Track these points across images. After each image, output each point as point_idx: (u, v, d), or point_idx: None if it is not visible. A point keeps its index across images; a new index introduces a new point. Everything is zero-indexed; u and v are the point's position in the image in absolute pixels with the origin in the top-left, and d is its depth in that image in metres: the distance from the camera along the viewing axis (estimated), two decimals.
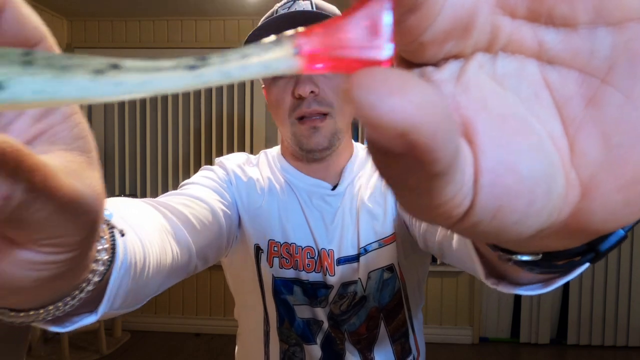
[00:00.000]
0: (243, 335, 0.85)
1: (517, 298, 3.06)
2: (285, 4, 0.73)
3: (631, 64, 0.14)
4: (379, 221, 0.75)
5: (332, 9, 0.74)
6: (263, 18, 0.76)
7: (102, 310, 0.30)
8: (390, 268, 0.75)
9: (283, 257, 0.75)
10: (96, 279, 0.27)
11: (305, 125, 0.70)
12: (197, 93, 3.17)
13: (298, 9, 0.71)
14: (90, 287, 0.27)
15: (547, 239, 0.16)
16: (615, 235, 0.24)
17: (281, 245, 0.75)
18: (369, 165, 0.80)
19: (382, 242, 0.75)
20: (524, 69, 0.15)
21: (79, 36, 3.18)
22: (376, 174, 0.77)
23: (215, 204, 0.64)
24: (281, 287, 0.75)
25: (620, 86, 0.14)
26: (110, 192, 3.26)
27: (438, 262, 3.01)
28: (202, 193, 0.64)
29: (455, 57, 0.15)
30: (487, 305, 3.07)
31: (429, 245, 0.66)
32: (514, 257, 0.25)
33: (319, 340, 0.76)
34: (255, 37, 0.70)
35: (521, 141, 0.14)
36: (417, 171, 0.12)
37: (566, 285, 3.05)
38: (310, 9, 0.71)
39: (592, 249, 0.23)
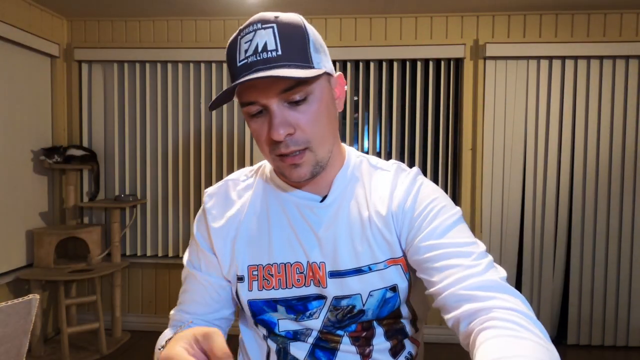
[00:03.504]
0: (243, 335, 0.89)
1: None
2: (246, 35, 0.67)
3: None
4: (389, 243, 0.75)
5: (295, 19, 0.69)
6: (229, 43, 0.71)
7: None
8: (393, 288, 0.75)
9: (265, 279, 0.77)
10: None
11: (285, 162, 0.70)
12: (197, 95, 3.17)
13: (260, 40, 0.65)
14: None
15: None
16: None
17: (264, 268, 0.77)
18: (379, 179, 0.80)
19: (388, 264, 0.75)
20: None
21: (79, 36, 3.18)
22: (388, 194, 0.77)
23: (212, 283, 0.82)
24: (262, 308, 0.78)
25: None
26: (110, 192, 3.27)
27: None
28: (200, 286, 0.82)
29: None
30: None
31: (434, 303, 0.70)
32: None
33: (308, 343, 0.78)
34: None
35: None
36: None
37: (566, 285, 3.05)
38: (272, 37, 0.65)
39: None
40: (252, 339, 0.85)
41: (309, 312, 0.76)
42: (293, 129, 0.67)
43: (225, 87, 3.15)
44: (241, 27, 0.69)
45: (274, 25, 0.66)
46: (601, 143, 2.95)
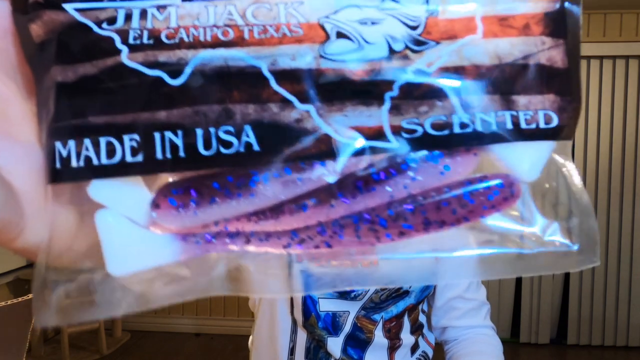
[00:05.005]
0: (262, 327, 0.86)
1: (517, 298, 3.06)
2: None
3: None
4: None
5: None
6: None
7: None
8: None
9: None
10: None
11: None
12: None
13: None
14: None
15: None
16: None
17: None
18: None
19: None
20: None
21: None
22: None
23: None
24: None
25: None
26: None
27: None
28: None
29: None
30: None
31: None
32: None
33: (342, 333, 0.79)
34: None
35: None
36: None
37: (566, 285, 3.05)
38: None
39: None
40: (273, 334, 0.84)
41: (355, 292, 0.78)
42: None
43: None
44: None
45: None
46: (601, 143, 2.95)
